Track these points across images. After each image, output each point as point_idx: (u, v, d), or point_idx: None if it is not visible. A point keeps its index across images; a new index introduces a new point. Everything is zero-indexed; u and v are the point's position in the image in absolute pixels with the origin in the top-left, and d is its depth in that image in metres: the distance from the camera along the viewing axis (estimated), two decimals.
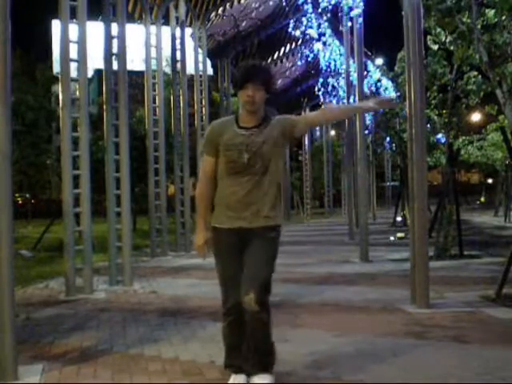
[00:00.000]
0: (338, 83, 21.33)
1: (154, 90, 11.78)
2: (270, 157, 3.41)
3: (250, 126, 3.42)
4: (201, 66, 15.12)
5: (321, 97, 23.96)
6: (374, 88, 18.18)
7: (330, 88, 22.09)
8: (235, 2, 16.16)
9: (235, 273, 3.40)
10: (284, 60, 21.41)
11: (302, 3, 16.31)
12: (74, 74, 7.30)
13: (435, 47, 8.39)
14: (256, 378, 3.39)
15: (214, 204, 3.52)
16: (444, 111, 9.82)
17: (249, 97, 3.35)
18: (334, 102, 24.71)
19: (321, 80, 21.76)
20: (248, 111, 3.42)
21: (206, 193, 3.53)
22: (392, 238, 13.59)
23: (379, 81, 18.00)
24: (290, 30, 18.14)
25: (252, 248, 3.39)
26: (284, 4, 17.22)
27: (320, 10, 15.25)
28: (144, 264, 10.08)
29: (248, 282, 3.32)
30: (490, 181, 38.94)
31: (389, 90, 16.85)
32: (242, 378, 3.48)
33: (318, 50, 19.88)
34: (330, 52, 19.29)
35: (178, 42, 12.67)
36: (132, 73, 12.20)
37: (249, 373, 3.45)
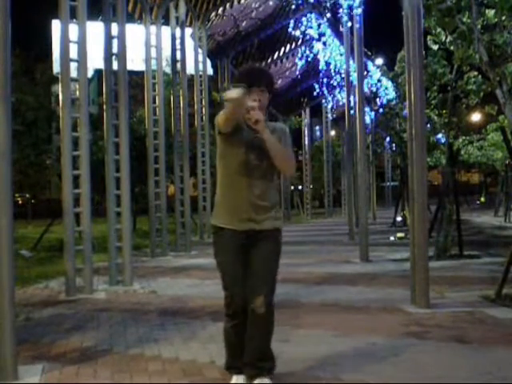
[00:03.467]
0: (339, 84, 21.36)
1: (154, 90, 11.78)
2: (270, 159, 3.40)
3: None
4: (201, 66, 15.13)
5: (321, 97, 24.00)
6: (374, 88, 18.19)
7: (330, 88, 22.13)
8: (235, 2, 16.15)
9: (240, 274, 3.39)
10: (284, 60, 21.40)
11: (302, 3, 16.31)
12: (74, 74, 7.29)
13: (435, 47, 8.39)
14: (258, 380, 3.39)
15: (218, 203, 3.51)
16: (444, 111, 9.82)
17: (255, 101, 3.34)
18: (334, 102, 24.79)
19: (323, 80, 21.79)
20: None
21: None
22: (392, 238, 13.60)
23: (379, 81, 18.01)
24: (289, 29, 18.14)
25: (259, 250, 3.40)
26: (284, 4, 17.22)
27: (320, 10, 15.26)
28: (144, 264, 10.08)
29: (257, 284, 3.35)
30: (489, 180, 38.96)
31: (389, 90, 16.84)
32: (243, 378, 3.47)
33: (318, 50, 19.89)
34: (330, 52, 19.31)
35: (178, 41, 12.66)
36: (132, 73, 12.21)
37: (250, 375, 3.43)
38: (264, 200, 3.41)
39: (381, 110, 17.25)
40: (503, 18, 6.05)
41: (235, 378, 3.50)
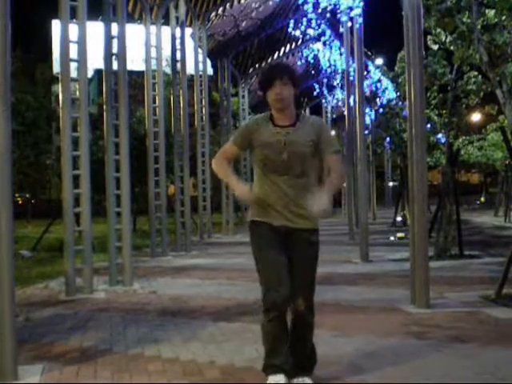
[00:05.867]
0: (339, 84, 21.35)
1: (154, 90, 11.78)
2: (307, 157, 3.37)
3: (286, 125, 3.38)
4: (201, 66, 15.14)
5: (321, 97, 23.99)
6: (374, 88, 18.19)
7: (330, 88, 22.12)
8: (235, 2, 16.16)
9: (279, 267, 3.32)
10: (284, 60, 21.41)
11: (302, 3, 16.30)
12: (74, 74, 7.29)
13: (435, 47, 8.38)
14: (297, 380, 3.40)
15: (252, 203, 3.48)
16: (444, 111, 9.82)
17: (277, 94, 3.31)
18: (334, 102, 24.78)
19: (323, 81, 21.78)
20: (278, 109, 3.37)
21: (226, 165, 3.50)
22: (392, 238, 13.59)
23: (379, 81, 18.01)
24: (289, 29, 18.15)
25: (299, 253, 3.39)
26: (284, 4, 17.22)
27: (320, 10, 15.25)
28: (144, 264, 10.07)
29: (299, 287, 3.36)
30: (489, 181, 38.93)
31: (389, 90, 16.85)
32: (281, 378, 3.35)
33: (318, 50, 19.90)
34: (330, 52, 19.31)
35: (178, 42, 12.66)
36: (132, 73, 12.23)
37: (290, 374, 3.39)
38: (295, 199, 3.35)
39: (381, 110, 17.26)
40: (503, 17, 6.05)
41: (271, 379, 3.36)
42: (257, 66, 20.56)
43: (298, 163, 3.35)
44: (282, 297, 3.28)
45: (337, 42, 18.68)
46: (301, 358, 3.47)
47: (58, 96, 9.18)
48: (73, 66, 7.23)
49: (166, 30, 12.53)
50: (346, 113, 15.07)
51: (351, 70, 13.91)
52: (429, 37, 8.07)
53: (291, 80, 3.35)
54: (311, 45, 20.21)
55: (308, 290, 3.43)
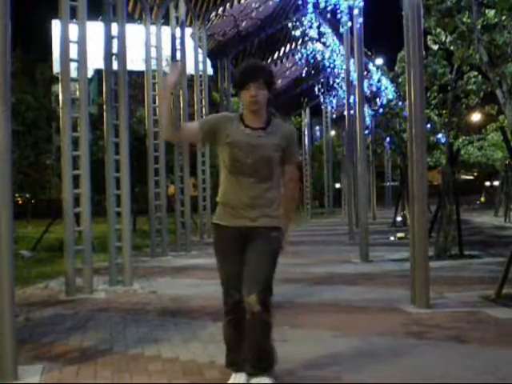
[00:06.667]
0: (339, 84, 21.35)
1: (154, 90, 11.78)
2: (274, 162, 3.39)
3: (256, 127, 3.39)
4: (201, 66, 15.13)
5: (321, 97, 23.98)
6: (374, 88, 18.19)
7: (329, 88, 22.11)
8: (235, 2, 16.16)
9: (236, 271, 3.38)
10: (284, 60, 21.42)
11: (302, 3, 16.31)
12: (74, 74, 7.29)
13: (435, 47, 8.39)
14: (256, 379, 3.37)
15: (218, 202, 3.51)
16: (444, 111, 9.82)
17: (252, 97, 3.32)
18: (334, 102, 24.78)
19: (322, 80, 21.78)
20: (252, 111, 3.38)
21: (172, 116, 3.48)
22: (392, 238, 13.59)
23: (379, 81, 18.01)
24: (290, 29, 18.14)
25: (254, 246, 3.37)
26: (284, 4, 17.22)
27: (320, 10, 15.25)
28: (144, 264, 10.07)
29: (250, 282, 3.31)
30: (488, 182, 38.93)
31: (389, 90, 16.85)
32: (242, 377, 3.47)
33: (318, 50, 19.90)
34: (331, 52, 19.31)
35: (178, 42, 12.66)
36: (132, 73, 12.22)
37: (249, 373, 3.43)
38: (260, 201, 3.38)
39: (381, 110, 17.25)
40: (503, 17, 6.05)
41: (233, 377, 3.50)
42: None
43: (264, 167, 3.37)
44: (238, 302, 3.37)
45: (337, 42, 18.68)
46: (259, 356, 3.42)
47: (57, 96, 9.18)
48: (73, 66, 7.23)
49: (166, 30, 12.53)
50: (346, 113, 15.07)
51: (351, 69, 13.92)
52: (429, 37, 8.07)
53: (266, 83, 3.35)
54: (311, 44, 20.21)
55: (262, 287, 3.30)
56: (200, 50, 15.02)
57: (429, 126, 10.50)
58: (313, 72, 22.33)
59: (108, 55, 8.03)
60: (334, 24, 16.33)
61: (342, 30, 13.20)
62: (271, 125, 3.42)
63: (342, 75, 17.10)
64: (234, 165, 3.38)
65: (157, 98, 11.78)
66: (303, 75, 22.52)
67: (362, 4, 10.47)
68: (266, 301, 3.33)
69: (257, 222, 3.39)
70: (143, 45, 11.75)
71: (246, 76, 3.36)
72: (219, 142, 3.41)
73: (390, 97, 16.59)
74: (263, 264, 3.35)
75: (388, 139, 18.57)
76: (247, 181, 3.37)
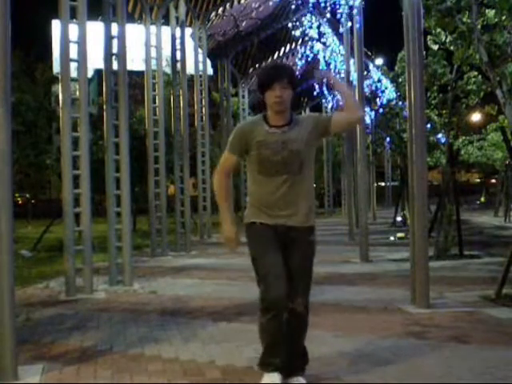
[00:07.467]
0: None
1: (154, 90, 11.78)
2: (305, 155, 3.41)
3: (281, 124, 3.41)
4: (201, 66, 15.14)
5: (321, 97, 23.93)
6: (374, 88, 18.17)
7: (330, 88, 22.04)
8: (235, 2, 16.16)
9: (280, 261, 3.37)
10: (284, 60, 21.41)
11: (302, 3, 16.30)
12: (74, 74, 7.29)
13: (435, 47, 8.39)
14: (293, 379, 3.43)
15: (249, 205, 3.51)
16: (444, 111, 9.82)
17: (277, 97, 3.33)
18: (334, 102, 24.74)
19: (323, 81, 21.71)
20: (276, 111, 3.40)
21: (226, 186, 3.53)
22: (392, 238, 13.59)
23: (379, 81, 18.00)
24: (290, 29, 18.14)
25: (295, 252, 3.45)
26: (284, 4, 17.22)
27: (320, 10, 15.25)
28: (144, 264, 10.07)
29: (296, 287, 3.41)
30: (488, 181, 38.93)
31: (389, 90, 16.84)
32: (276, 377, 3.39)
33: (318, 50, 19.88)
34: (331, 52, 19.30)
35: (178, 42, 12.67)
36: (132, 73, 12.21)
37: (287, 373, 3.43)
38: (293, 198, 3.40)
39: (381, 110, 17.25)
40: (503, 17, 6.06)
41: (267, 377, 3.40)
42: (257, 66, 20.57)
43: (295, 160, 3.38)
44: (281, 296, 3.30)
45: (337, 42, 18.67)
46: (295, 357, 3.50)
47: (57, 96, 9.17)
48: (73, 66, 7.23)
49: (166, 30, 12.54)
50: None
51: (351, 69, 13.91)
52: (429, 37, 8.08)
53: (290, 83, 3.38)
54: (311, 44, 20.20)
55: (306, 289, 3.48)
56: (200, 50, 15.03)
57: (429, 125, 10.51)
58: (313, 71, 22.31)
59: (108, 55, 8.03)
60: (334, 24, 16.33)
61: (341, 29, 13.19)
62: (293, 120, 3.45)
63: (342, 75, 17.08)
64: (264, 165, 3.38)
65: (156, 97, 11.78)
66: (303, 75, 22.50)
67: (362, 4, 10.47)
68: (308, 304, 3.48)
69: (292, 221, 3.42)
70: (143, 45, 11.74)
71: (270, 76, 3.38)
72: (250, 149, 3.43)
73: (390, 97, 16.59)
74: (306, 270, 3.50)
75: (388, 139, 18.57)
76: (280, 179, 3.38)
